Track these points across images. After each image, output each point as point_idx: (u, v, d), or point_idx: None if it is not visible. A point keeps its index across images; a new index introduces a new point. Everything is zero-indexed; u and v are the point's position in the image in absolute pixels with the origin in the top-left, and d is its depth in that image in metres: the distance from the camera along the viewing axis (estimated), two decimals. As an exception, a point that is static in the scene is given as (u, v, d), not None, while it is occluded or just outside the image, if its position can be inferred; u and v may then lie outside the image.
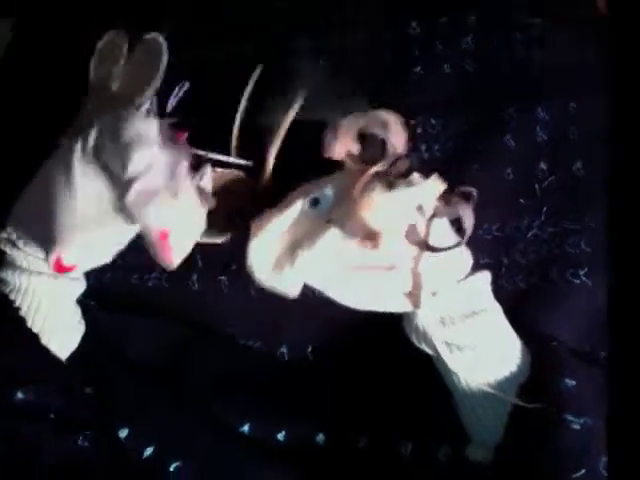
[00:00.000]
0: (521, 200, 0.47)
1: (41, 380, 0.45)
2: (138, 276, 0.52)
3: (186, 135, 0.47)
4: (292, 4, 0.55)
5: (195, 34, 0.58)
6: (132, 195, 0.42)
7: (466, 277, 0.43)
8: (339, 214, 0.41)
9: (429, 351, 0.43)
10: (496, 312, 0.43)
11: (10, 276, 0.48)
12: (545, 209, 0.47)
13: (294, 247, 0.42)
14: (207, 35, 0.57)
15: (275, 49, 0.53)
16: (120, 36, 0.56)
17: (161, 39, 0.54)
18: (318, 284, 0.43)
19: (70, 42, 0.61)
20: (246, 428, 0.46)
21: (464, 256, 0.43)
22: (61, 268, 0.45)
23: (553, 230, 0.47)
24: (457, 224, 0.43)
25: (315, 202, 0.43)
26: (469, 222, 0.40)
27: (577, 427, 0.38)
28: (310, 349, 0.50)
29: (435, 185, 0.40)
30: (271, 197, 0.47)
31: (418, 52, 0.51)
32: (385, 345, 0.47)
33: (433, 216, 0.40)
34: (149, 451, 0.44)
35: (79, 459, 0.42)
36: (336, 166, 0.45)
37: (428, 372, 0.45)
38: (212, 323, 0.51)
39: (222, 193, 0.49)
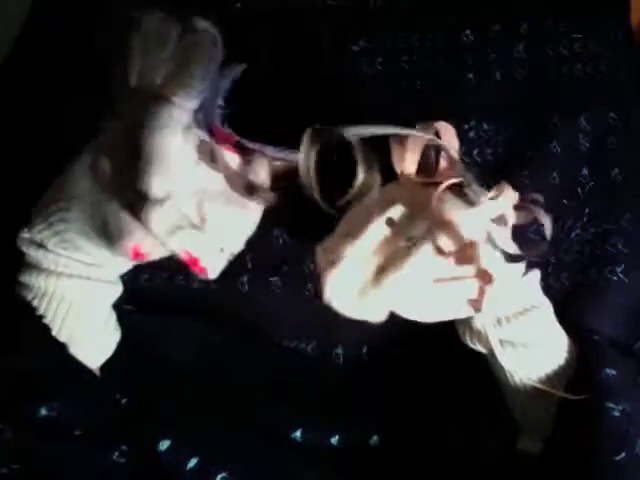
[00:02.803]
0: (565, 202, 0.51)
1: (67, 394, 0.42)
2: (181, 277, 0.51)
3: (233, 140, 0.46)
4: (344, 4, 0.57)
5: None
6: (153, 221, 0.40)
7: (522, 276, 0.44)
8: (421, 232, 0.40)
9: (482, 350, 0.45)
10: (546, 309, 0.45)
11: (34, 280, 0.44)
12: (587, 211, 0.50)
13: (378, 273, 0.40)
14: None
15: (331, 48, 0.55)
16: (169, 21, 0.49)
17: (213, 29, 0.48)
18: (397, 307, 0.41)
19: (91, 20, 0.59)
20: (298, 434, 0.45)
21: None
22: (139, 256, 0.43)
23: (594, 231, 0.50)
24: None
25: (391, 222, 0.41)
26: (549, 228, 0.41)
27: (617, 414, 0.40)
28: (365, 349, 0.51)
29: (513, 195, 0.41)
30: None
31: (471, 60, 0.54)
32: (437, 344, 0.48)
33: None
34: (193, 462, 0.41)
35: (114, 476, 0.40)
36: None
37: (478, 369, 0.46)
38: (262, 325, 0.51)
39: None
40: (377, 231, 0.40)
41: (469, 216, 0.40)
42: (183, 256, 0.42)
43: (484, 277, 0.39)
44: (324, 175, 0.45)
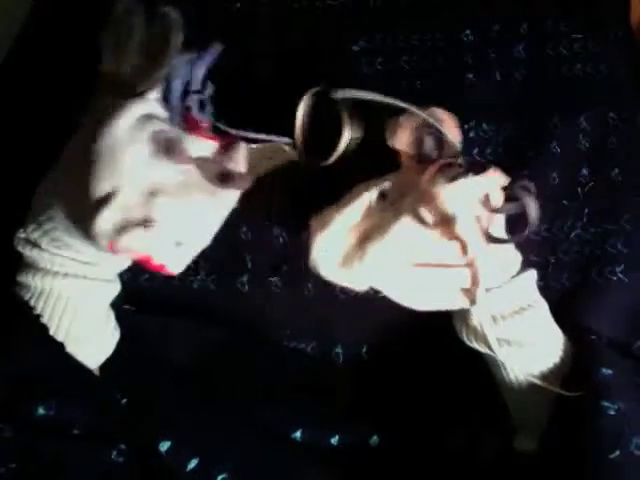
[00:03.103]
0: (565, 202, 0.51)
1: (65, 393, 0.42)
2: (179, 277, 0.51)
3: (205, 126, 0.45)
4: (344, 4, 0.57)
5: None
6: (99, 225, 0.40)
7: (517, 274, 0.45)
8: (408, 204, 0.41)
9: (480, 348, 0.45)
10: (541, 307, 0.46)
11: (31, 279, 0.44)
12: (587, 211, 0.51)
13: (362, 241, 0.41)
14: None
15: (331, 48, 0.55)
16: (135, 6, 0.48)
17: (176, 14, 0.47)
18: (381, 283, 0.42)
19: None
20: (298, 434, 0.45)
21: (515, 254, 0.45)
22: (118, 251, 0.42)
23: (594, 231, 0.50)
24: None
25: (381, 196, 0.43)
26: (534, 214, 0.40)
27: (612, 413, 0.41)
28: (365, 349, 0.51)
29: (498, 176, 0.41)
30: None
31: (471, 59, 0.54)
32: (437, 344, 0.49)
33: (497, 210, 0.42)
34: (193, 463, 0.41)
35: (113, 476, 0.40)
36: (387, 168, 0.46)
37: (475, 367, 0.47)
38: (262, 325, 0.51)
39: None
40: (366, 201, 0.42)
41: (453, 189, 0.40)
42: (132, 256, 0.42)
43: (461, 246, 0.40)
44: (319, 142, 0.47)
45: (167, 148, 0.43)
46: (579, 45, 0.54)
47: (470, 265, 0.42)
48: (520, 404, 0.46)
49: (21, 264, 0.46)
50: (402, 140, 0.45)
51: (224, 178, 0.45)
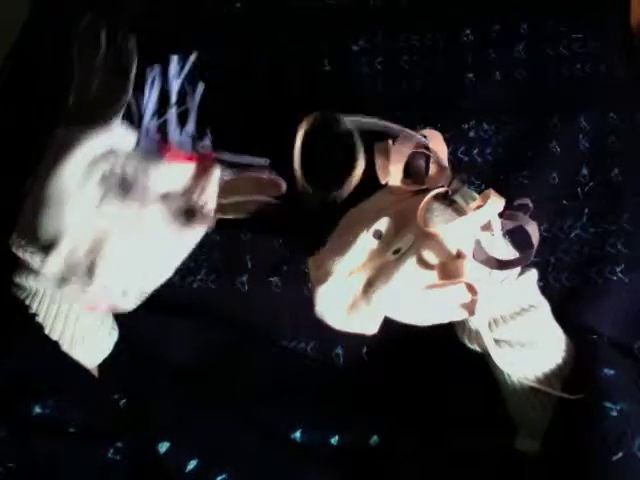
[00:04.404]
0: (565, 202, 0.51)
1: (61, 392, 0.42)
2: (179, 277, 0.51)
3: (170, 152, 0.44)
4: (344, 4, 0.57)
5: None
6: (46, 270, 0.41)
7: (518, 276, 0.44)
8: (407, 245, 0.40)
9: (479, 349, 0.45)
10: (543, 308, 0.45)
11: (25, 280, 0.45)
12: (587, 211, 0.51)
13: (366, 286, 0.40)
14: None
15: (331, 48, 0.55)
16: (98, 22, 0.48)
17: (132, 41, 0.47)
18: (390, 314, 0.42)
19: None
20: (298, 434, 0.45)
21: (516, 255, 0.44)
22: None
23: (594, 231, 0.50)
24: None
25: (378, 235, 0.41)
26: (535, 236, 0.41)
27: (614, 414, 0.40)
28: (365, 349, 0.51)
29: (498, 203, 0.40)
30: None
31: (471, 59, 0.54)
32: (437, 344, 0.48)
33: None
34: (192, 464, 0.41)
35: (110, 473, 0.39)
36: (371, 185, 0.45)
37: (478, 369, 0.46)
38: (261, 325, 0.51)
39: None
40: (364, 245, 0.41)
41: (453, 228, 0.39)
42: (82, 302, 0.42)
43: (470, 290, 0.39)
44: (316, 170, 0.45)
45: (121, 190, 0.42)
46: (579, 45, 0.54)
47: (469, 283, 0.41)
48: (522, 405, 0.45)
49: (18, 266, 0.46)
50: (395, 175, 0.44)
51: (189, 215, 0.45)
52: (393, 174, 0.43)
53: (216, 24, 0.58)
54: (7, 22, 0.64)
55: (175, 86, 0.48)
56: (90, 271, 0.41)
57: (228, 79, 0.55)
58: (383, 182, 0.44)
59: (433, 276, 0.40)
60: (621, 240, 0.50)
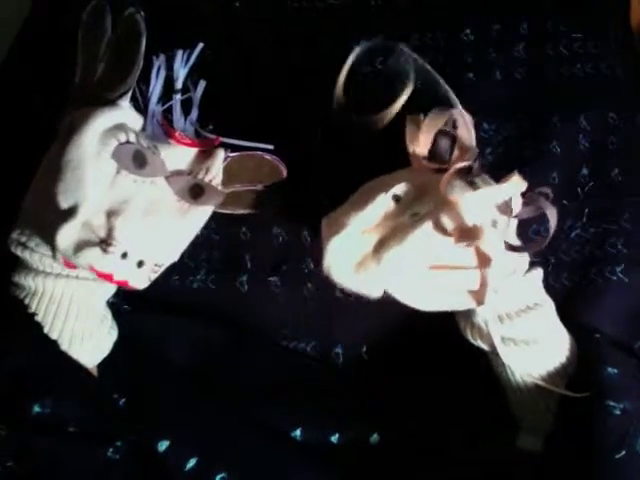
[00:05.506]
0: (565, 202, 0.51)
1: (60, 391, 0.42)
2: (179, 277, 0.51)
3: (177, 135, 0.45)
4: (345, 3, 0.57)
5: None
6: (59, 240, 0.41)
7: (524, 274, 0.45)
8: (426, 210, 0.40)
9: (484, 347, 0.45)
10: (548, 307, 0.46)
11: (24, 280, 0.45)
12: (587, 211, 0.51)
13: (378, 246, 0.40)
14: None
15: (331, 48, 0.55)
16: (103, 6, 0.48)
17: (139, 17, 0.46)
18: (393, 287, 0.41)
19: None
20: (298, 433, 0.45)
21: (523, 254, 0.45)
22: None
23: (594, 231, 0.50)
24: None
25: (397, 199, 0.42)
26: (554, 220, 0.41)
27: (618, 412, 0.41)
28: (365, 349, 0.51)
29: (519, 183, 0.41)
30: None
31: (471, 59, 0.54)
32: (437, 344, 0.49)
33: (515, 215, 0.42)
34: (192, 463, 0.41)
35: (110, 473, 0.40)
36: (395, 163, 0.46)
37: (478, 368, 0.47)
38: (261, 325, 0.51)
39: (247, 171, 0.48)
40: (382, 204, 0.41)
41: (474, 198, 0.40)
42: (93, 272, 0.42)
43: (483, 260, 0.40)
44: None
45: (135, 161, 0.43)
46: (579, 45, 0.54)
47: (480, 259, 0.41)
48: (525, 403, 0.46)
49: (17, 264, 0.46)
50: (423, 146, 0.45)
51: (196, 193, 0.45)
52: (422, 142, 0.44)
53: (216, 24, 0.58)
54: (7, 20, 0.65)
55: (182, 73, 0.48)
56: (109, 235, 0.41)
57: (230, 74, 0.55)
58: (411, 150, 0.44)
59: (446, 249, 0.40)
60: (621, 240, 0.50)
